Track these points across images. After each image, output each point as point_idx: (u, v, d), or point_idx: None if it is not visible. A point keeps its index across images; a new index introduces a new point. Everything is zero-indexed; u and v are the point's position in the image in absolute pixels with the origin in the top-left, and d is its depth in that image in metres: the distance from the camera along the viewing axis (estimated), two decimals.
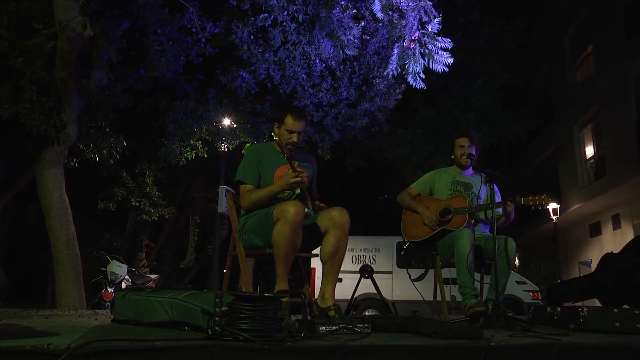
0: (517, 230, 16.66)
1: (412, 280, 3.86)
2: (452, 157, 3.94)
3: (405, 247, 3.86)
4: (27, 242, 15.12)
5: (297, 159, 3.19)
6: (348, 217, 2.95)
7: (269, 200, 3.04)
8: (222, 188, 10.22)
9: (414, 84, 5.91)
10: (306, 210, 2.91)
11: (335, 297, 2.95)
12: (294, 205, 2.77)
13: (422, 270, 4.10)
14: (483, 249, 3.56)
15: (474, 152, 3.82)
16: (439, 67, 5.70)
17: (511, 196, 3.57)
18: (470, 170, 3.90)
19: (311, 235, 2.97)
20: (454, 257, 3.40)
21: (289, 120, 3.15)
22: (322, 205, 3.18)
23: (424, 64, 5.75)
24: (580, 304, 3.75)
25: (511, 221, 3.65)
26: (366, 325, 2.27)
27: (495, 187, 3.73)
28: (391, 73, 6.00)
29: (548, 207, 12.98)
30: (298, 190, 3.05)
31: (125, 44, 6.78)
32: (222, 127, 10.20)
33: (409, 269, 3.96)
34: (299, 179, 2.95)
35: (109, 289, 8.05)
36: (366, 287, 6.01)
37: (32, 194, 8.18)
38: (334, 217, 2.92)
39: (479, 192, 3.77)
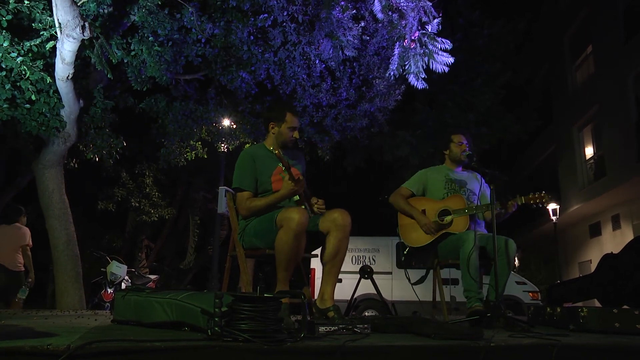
0: (517, 230, 16.67)
1: (412, 284, 3.84)
2: (447, 152, 3.85)
3: (405, 252, 3.84)
4: None
5: (287, 157, 3.11)
6: (349, 219, 2.94)
7: (270, 209, 3.03)
8: (222, 188, 10.17)
9: (416, 84, 5.91)
10: None
11: (335, 298, 2.94)
12: (299, 213, 2.74)
13: (422, 272, 4.07)
14: (486, 249, 3.54)
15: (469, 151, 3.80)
16: (439, 67, 5.70)
17: (511, 195, 3.55)
18: (460, 167, 3.86)
19: (312, 237, 2.96)
20: (459, 259, 3.37)
21: (290, 117, 3.13)
22: (316, 200, 3.17)
23: (424, 64, 5.75)
24: (580, 304, 3.75)
25: (508, 216, 3.62)
26: (366, 325, 2.27)
27: (485, 185, 3.73)
28: (392, 73, 6.00)
29: (548, 206, 12.99)
30: (296, 197, 3.03)
31: (125, 45, 6.78)
32: (222, 128, 10.19)
33: (409, 270, 3.92)
34: (297, 187, 2.93)
35: (109, 290, 8.04)
36: (366, 287, 6.01)
37: (32, 194, 8.17)
38: (336, 219, 2.92)
39: (474, 189, 3.73)
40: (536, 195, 3.46)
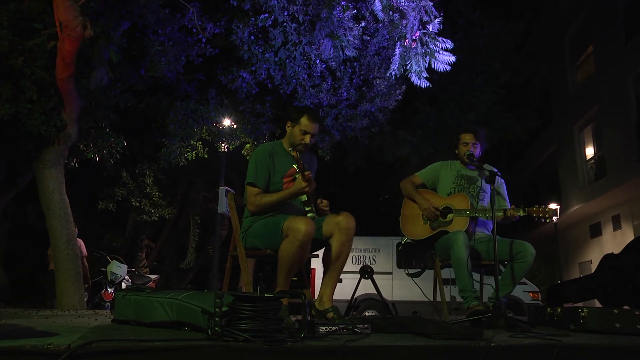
0: (517, 230, 16.66)
1: (410, 275, 3.85)
2: (456, 151, 3.84)
3: (402, 242, 3.84)
4: (27, 242, 15.11)
5: (301, 159, 3.15)
6: (354, 223, 2.94)
7: (278, 206, 3.04)
8: (223, 188, 10.23)
9: (419, 83, 5.89)
10: (310, 215, 2.91)
11: (336, 298, 2.95)
12: (306, 224, 2.73)
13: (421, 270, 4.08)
14: (484, 251, 3.53)
15: (478, 152, 3.74)
16: (441, 66, 5.69)
17: (515, 204, 3.54)
18: (473, 165, 3.82)
19: (316, 240, 2.96)
20: (451, 259, 3.38)
21: (305, 121, 3.11)
22: (320, 201, 3.17)
23: (425, 63, 5.74)
24: (580, 304, 3.75)
25: (509, 223, 3.61)
26: (366, 325, 2.27)
27: (501, 179, 3.71)
28: (394, 73, 6.00)
29: (551, 219, 12.95)
30: (304, 197, 3.03)
31: (125, 44, 6.78)
32: (223, 128, 10.19)
33: (408, 269, 3.93)
34: (308, 188, 2.94)
35: (109, 289, 8.05)
36: (366, 287, 6.02)
37: (32, 194, 8.17)
38: (340, 222, 2.91)
39: (484, 187, 3.67)
40: (540, 209, 3.41)
